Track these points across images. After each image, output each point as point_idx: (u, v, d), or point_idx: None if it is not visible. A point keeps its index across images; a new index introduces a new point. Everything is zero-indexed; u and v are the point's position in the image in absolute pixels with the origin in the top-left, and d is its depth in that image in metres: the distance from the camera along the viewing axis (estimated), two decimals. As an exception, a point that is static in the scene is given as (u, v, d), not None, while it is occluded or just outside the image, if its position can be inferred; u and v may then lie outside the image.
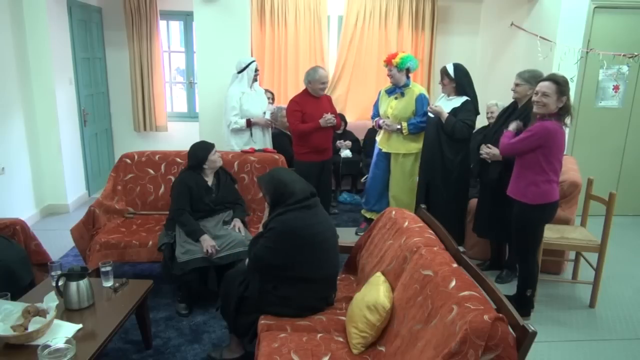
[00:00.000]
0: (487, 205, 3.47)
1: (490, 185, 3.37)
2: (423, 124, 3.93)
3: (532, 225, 2.93)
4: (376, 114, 4.23)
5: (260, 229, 2.47)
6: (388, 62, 3.96)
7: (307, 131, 3.97)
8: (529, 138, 2.79)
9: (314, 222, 2.30)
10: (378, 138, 4.29)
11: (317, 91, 4.01)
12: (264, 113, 4.28)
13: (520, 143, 2.83)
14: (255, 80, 4.28)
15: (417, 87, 4.05)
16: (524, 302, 3.04)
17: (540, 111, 2.78)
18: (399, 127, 3.99)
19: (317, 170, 4.08)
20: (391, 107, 4.03)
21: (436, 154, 3.73)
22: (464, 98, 3.67)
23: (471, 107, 3.67)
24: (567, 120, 2.80)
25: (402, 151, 4.08)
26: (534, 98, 2.80)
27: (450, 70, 3.66)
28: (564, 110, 2.77)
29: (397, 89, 4.03)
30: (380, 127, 4.14)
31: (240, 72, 4.22)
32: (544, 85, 2.75)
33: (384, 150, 4.16)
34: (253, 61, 4.23)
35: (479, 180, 3.59)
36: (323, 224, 2.35)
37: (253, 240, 2.49)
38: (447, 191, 3.77)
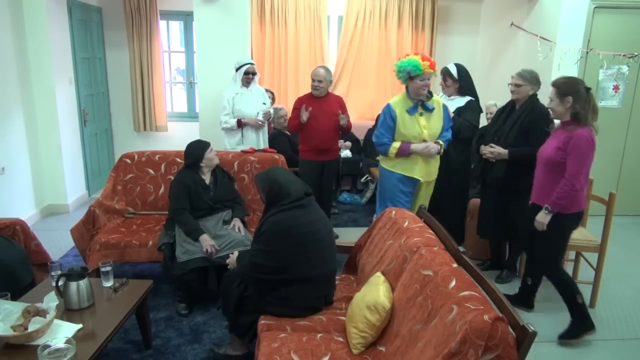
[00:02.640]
0: (491, 206, 3.46)
1: (494, 184, 3.37)
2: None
3: (563, 234, 2.83)
4: (390, 139, 3.27)
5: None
6: (433, 68, 3.17)
7: (295, 126, 3.99)
8: (580, 157, 2.62)
9: (307, 221, 2.30)
10: (402, 170, 3.30)
11: (311, 89, 4.00)
12: (257, 114, 4.28)
13: (578, 166, 2.63)
14: (247, 82, 4.26)
15: (436, 96, 3.42)
16: (582, 313, 2.86)
17: (552, 115, 2.82)
18: (439, 147, 3.31)
19: (316, 169, 4.08)
20: (424, 127, 3.24)
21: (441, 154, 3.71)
22: (468, 98, 3.67)
23: (476, 107, 3.68)
24: (594, 123, 2.66)
25: (437, 174, 3.47)
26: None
27: (454, 72, 3.66)
28: (578, 113, 2.63)
29: (423, 104, 3.24)
30: (409, 154, 3.25)
31: (237, 70, 4.24)
32: (550, 91, 2.75)
33: (424, 180, 3.34)
34: (246, 64, 4.20)
35: (481, 180, 3.58)
36: (317, 222, 2.35)
37: (242, 253, 2.49)
38: (450, 191, 3.77)
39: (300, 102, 4.03)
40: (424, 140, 3.23)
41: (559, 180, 2.70)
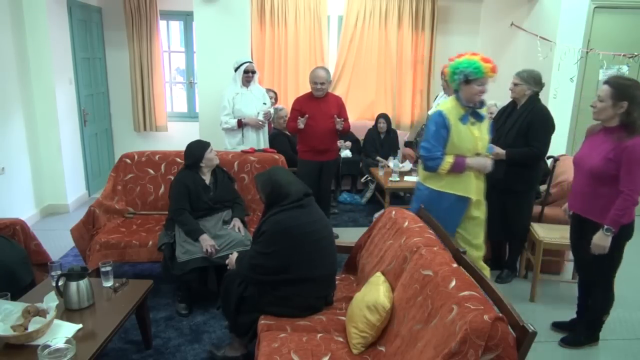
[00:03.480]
0: (490, 206, 3.45)
1: (494, 185, 3.36)
2: None
3: (620, 248, 2.58)
4: (442, 152, 2.79)
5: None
6: (495, 71, 2.80)
7: (294, 127, 3.97)
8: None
9: (308, 221, 2.30)
10: (458, 190, 2.86)
11: (312, 91, 3.98)
12: (258, 114, 4.28)
13: (637, 178, 2.39)
14: (248, 81, 4.26)
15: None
16: (597, 327, 2.81)
17: (595, 117, 2.54)
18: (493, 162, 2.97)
19: (315, 170, 4.08)
20: (478, 138, 2.84)
21: None
22: None
23: None
24: None
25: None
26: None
27: None
28: (634, 122, 2.37)
29: (474, 112, 2.83)
30: (463, 170, 2.82)
31: (235, 70, 4.24)
32: (600, 89, 2.48)
33: (476, 198, 2.92)
34: (245, 62, 4.21)
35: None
36: (318, 222, 2.35)
37: (241, 254, 2.48)
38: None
39: (299, 103, 4.01)
40: (478, 154, 2.85)
41: (607, 192, 2.47)
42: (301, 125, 3.89)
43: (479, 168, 2.84)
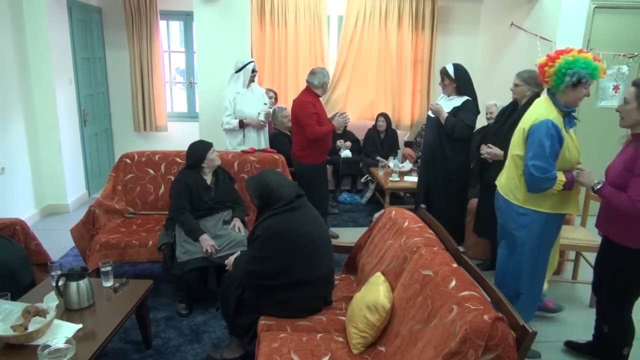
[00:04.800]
0: (488, 206, 3.46)
1: (491, 185, 3.37)
2: None
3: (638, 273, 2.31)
4: (553, 165, 2.40)
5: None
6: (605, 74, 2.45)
7: (325, 134, 3.87)
8: None
9: (301, 223, 2.29)
10: (567, 208, 2.54)
11: (324, 90, 3.97)
12: (258, 114, 4.28)
13: None
14: (252, 80, 4.27)
15: None
16: None
17: (621, 124, 2.25)
18: None
19: (324, 170, 4.10)
20: (578, 147, 2.51)
21: (437, 154, 3.73)
22: (465, 98, 3.68)
23: (472, 107, 3.67)
24: None
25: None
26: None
27: (451, 71, 3.66)
28: None
29: (570, 116, 2.47)
30: (572, 187, 2.46)
31: (237, 71, 4.24)
32: (627, 92, 2.21)
33: (577, 214, 2.67)
34: (250, 62, 4.22)
35: (480, 180, 3.58)
36: (311, 223, 2.33)
37: (237, 259, 2.47)
38: (447, 191, 3.77)
39: (314, 107, 3.85)
40: (579, 164, 2.48)
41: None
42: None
43: (585, 182, 2.37)
